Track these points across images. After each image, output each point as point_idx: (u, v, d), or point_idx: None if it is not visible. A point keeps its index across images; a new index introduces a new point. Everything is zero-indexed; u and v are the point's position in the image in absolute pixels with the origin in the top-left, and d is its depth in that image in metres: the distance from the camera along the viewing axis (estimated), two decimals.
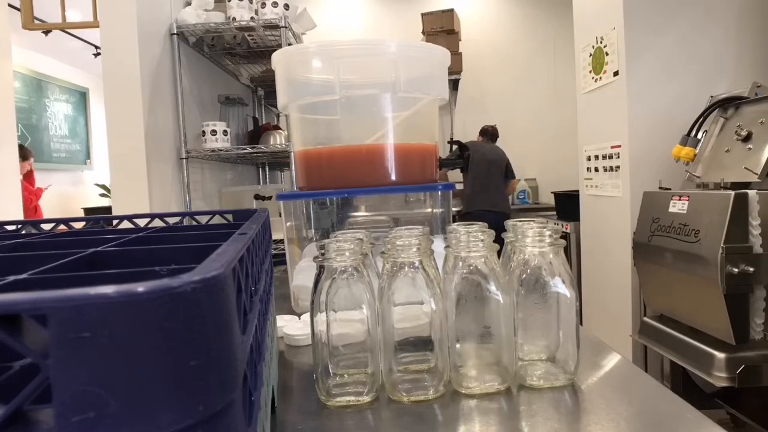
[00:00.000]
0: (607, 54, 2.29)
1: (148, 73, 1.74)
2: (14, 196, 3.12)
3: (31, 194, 4.55)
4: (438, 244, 0.59)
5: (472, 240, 0.54)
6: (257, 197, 2.23)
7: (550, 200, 3.66)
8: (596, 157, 2.44)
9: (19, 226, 0.56)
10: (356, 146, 0.92)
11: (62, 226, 0.59)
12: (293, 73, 0.96)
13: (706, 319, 1.58)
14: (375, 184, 0.91)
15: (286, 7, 1.94)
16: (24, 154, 4.91)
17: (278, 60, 0.96)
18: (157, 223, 0.59)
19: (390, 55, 0.90)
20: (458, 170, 3.64)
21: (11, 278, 0.26)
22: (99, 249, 0.35)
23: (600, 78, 2.36)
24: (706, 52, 2.15)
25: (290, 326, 0.78)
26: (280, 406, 0.55)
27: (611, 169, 2.30)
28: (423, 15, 3.95)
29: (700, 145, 1.89)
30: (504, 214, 3.36)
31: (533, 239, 0.56)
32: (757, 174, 1.63)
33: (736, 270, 1.46)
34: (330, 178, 0.93)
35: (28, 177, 4.80)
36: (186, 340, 0.18)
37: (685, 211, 1.65)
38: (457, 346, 0.56)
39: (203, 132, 1.95)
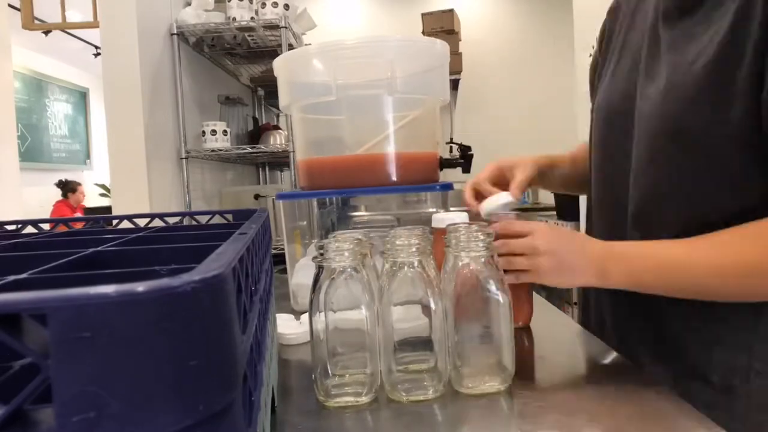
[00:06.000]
0: None
1: (148, 73, 1.74)
2: (14, 196, 3.12)
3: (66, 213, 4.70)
4: None
5: (473, 240, 0.54)
6: (257, 197, 2.23)
7: (551, 200, 3.66)
8: None
9: (19, 226, 0.56)
10: (359, 155, 0.92)
11: (62, 226, 0.59)
12: (294, 76, 0.97)
13: None
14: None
15: (286, 7, 1.94)
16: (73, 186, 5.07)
17: (279, 66, 0.96)
18: (157, 223, 0.59)
19: (388, 52, 0.90)
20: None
21: (11, 278, 0.26)
22: (99, 249, 0.35)
23: None
24: None
25: (285, 325, 0.77)
26: (280, 406, 0.55)
27: None
28: (423, 15, 3.94)
29: None
30: None
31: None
32: None
33: None
34: (331, 186, 0.93)
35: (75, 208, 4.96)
36: (186, 340, 0.18)
37: None
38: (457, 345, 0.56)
39: (203, 132, 1.95)
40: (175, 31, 1.90)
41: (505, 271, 0.59)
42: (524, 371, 0.59)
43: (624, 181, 0.67)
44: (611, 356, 0.64)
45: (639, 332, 0.68)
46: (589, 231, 0.79)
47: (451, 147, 3.76)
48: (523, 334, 0.73)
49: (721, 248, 0.56)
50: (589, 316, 0.81)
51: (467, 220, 0.68)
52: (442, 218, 0.70)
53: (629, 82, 0.68)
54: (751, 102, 0.53)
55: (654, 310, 0.65)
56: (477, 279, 0.55)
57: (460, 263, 0.55)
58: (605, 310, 0.75)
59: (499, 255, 0.60)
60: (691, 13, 0.59)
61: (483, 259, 0.54)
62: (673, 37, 0.61)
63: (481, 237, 0.54)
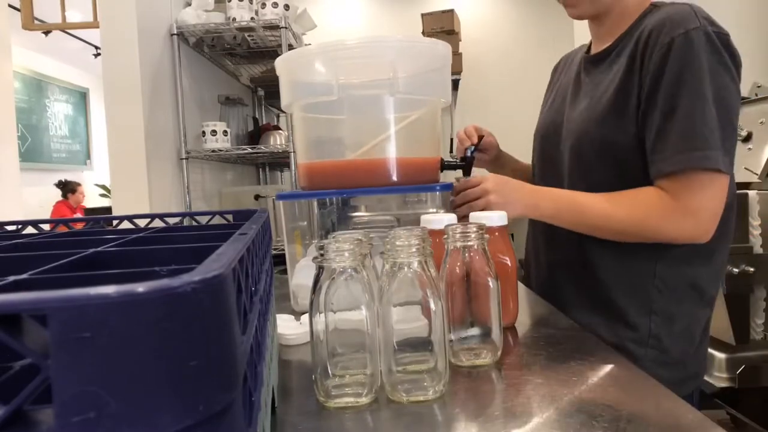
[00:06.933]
0: None
1: (148, 73, 1.74)
2: (14, 197, 3.13)
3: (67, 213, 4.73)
4: None
5: (466, 231, 0.61)
6: (257, 197, 2.23)
7: None
8: None
9: (20, 226, 0.56)
10: (359, 160, 0.92)
11: (62, 227, 0.59)
12: (295, 75, 0.96)
13: None
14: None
15: (287, 7, 1.94)
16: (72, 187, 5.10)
17: (281, 65, 0.96)
18: (158, 223, 0.59)
19: (389, 53, 0.90)
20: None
21: (11, 278, 0.26)
22: (99, 249, 0.35)
23: None
24: None
25: (285, 326, 0.77)
26: (280, 406, 0.55)
27: None
28: (423, 15, 3.95)
29: None
30: None
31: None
32: (757, 174, 1.63)
33: (736, 270, 1.46)
34: (332, 188, 0.93)
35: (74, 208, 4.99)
36: (186, 341, 0.18)
37: None
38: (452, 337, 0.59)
39: (203, 132, 1.95)
40: (175, 31, 1.90)
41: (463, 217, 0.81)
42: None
43: (560, 183, 0.94)
44: (611, 356, 0.64)
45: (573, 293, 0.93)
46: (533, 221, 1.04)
47: (451, 147, 3.76)
48: (508, 333, 0.74)
49: (611, 201, 0.83)
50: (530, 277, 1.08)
51: (455, 221, 0.70)
52: (430, 219, 0.73)
53: (558, 113, 0.98)
54: (638, 121, 0.82)
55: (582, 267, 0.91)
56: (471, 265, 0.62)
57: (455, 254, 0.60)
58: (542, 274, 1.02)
59: (460, 204, 0.86)
60: (601, 65, 0.91)
61: (476, 247, 0.61)
62: (589, 80, 0.93)
63: (474, 229, 0.60)
